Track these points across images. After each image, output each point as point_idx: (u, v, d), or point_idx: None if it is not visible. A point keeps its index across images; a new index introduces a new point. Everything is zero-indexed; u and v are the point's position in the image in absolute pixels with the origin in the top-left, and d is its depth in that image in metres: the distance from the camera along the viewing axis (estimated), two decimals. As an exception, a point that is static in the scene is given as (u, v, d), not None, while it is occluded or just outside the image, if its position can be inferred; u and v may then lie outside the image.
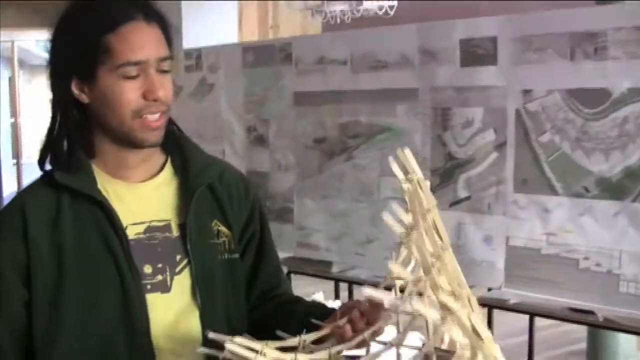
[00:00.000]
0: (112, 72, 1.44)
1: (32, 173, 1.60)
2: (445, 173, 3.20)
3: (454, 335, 1.15)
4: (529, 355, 3.16)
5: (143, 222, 1.53)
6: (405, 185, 1.31)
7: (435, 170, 3.21)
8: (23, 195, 1.56)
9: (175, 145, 1.62)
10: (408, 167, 1.34)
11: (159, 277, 1.51)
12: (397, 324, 1.35)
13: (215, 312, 1.56)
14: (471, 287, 3.58)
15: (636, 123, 2.63)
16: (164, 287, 1.51)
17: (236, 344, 1.25)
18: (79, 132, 1.52)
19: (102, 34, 1.43)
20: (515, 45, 2.90)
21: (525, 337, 3.19)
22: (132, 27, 1.45)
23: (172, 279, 1.52)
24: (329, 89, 3.53)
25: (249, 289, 1.68)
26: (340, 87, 3.48)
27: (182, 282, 1.53)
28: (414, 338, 2.77)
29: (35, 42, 11.13)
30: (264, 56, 3.87)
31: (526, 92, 2.91)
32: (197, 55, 4.33)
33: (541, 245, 2.93)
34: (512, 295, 3.06)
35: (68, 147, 1.52)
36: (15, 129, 11.29)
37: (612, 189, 2.72)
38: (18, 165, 10.60)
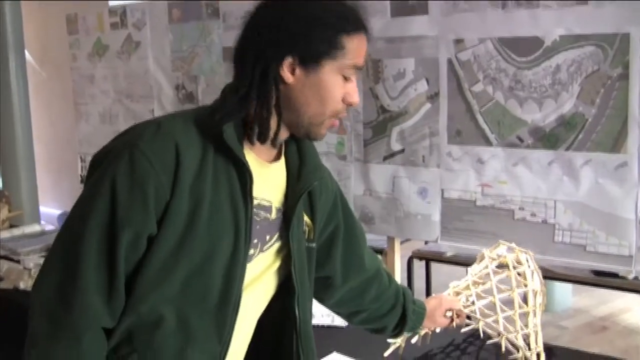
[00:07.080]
0: (337, 68, 1.53)
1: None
2: (378, 126, 3.18)
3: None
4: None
5: (257, 198, 1.59)
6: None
7: (368, 123, 3.18)
8: (177, 131, 1.53)
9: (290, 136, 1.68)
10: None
11: (251, 251, 1.59)
12: None
13: (305, 293, 1.71)
14: (407, 240, 3.55)
15: (568, 71, 2.64)
16: (251, 259, 1.60)
17: None
18: (277, 105, 1.57)
19: (342, 32, 1.52)
20: (446, -6, 2.88)
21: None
22: (362, 37, 1.56)
23: (258, 255, 1.62)
24: (258, 44, 3.47)
25: (345, 279, 1.91)
26: (270, 41, 3.41)
27: (264, 259, 1.64)
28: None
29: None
30: (190, 12, 3.80)
31: (458, 42, 2.89)
32: (122, 12, 4.23)
33: (476, 197, 2.94)
34: (449, 247, 3.08)
35: (260, 119, 1.56)
36: None
37: (546, 139, 2.73)
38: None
